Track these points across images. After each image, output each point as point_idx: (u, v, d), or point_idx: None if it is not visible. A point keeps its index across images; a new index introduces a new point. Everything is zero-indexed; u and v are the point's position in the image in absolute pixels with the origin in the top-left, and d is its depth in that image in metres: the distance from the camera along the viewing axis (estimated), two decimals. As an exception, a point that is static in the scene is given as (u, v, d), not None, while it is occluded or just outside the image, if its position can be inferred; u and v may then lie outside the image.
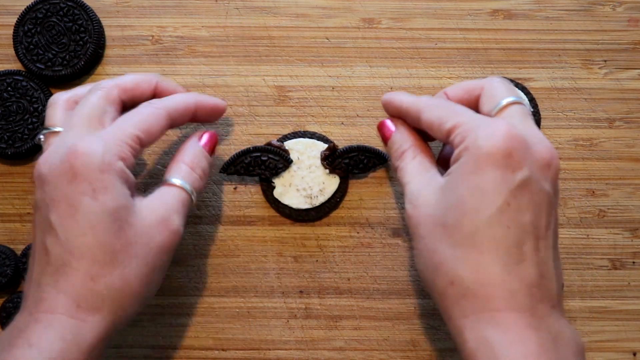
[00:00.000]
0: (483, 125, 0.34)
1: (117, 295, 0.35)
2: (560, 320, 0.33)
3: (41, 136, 0.39)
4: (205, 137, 0.42)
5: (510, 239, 0.33)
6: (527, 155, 0.34)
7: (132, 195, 0.36)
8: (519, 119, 0.36)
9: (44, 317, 0.34)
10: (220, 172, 0.45)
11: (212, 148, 0.42)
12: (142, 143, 0.38)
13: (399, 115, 0.41)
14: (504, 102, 0.37)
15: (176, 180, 0.39)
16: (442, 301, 0.34)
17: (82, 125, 0.37)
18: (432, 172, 0.38)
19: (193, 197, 0.39)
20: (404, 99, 0.40)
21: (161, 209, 0.37)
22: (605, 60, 0.47)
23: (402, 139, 0.41)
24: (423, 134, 0.41)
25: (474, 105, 0.39)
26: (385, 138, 0.42)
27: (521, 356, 0.31)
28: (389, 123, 0.42)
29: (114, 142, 0.36)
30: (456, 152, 0.35)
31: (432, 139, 0.41)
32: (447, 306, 0.34)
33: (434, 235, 0.35)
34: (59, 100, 0.40)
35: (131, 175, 0.37)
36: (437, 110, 0.37)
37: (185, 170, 0.40)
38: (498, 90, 0.38)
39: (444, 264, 0.34)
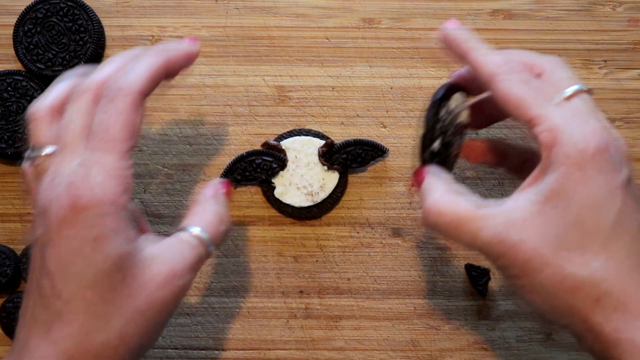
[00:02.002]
0: (576, 128, 0.32)
1: (111, 353, 0.31)
2: None
3: (27, 162, 0.34)
4: (224, 186, 0.38)
5: (637, 241, 0.32)
6: (621, 152, 0.32)
7: (139, 234, 0.33)
8: (588, 109, 0.34)
9: None
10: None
11: (229, 196, 0.39)
12: (135, 145, 0.33)
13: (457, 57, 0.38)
14: (568, 91, 0.34)
15: (195, 230, 0.35)
16: (586, 323, 0.32)
17: (76, 142, 0.32)
18: (488, 201, 0.34)
19: (211, 252, 0.36)
20: (471, 42, 0.37)
21: (171, 263, 0.33)
22: (605, 60, 0.47)
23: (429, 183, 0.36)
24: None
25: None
26: (418, 185, 0.37)
27: None
28: (424, 170, 0.37)
29: (110, 171, 0.31)
30: (545, 158, 0.33)
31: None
32: (594, 325, 0.31)
33: (556, 262, 0.32)
34: (41, 111, 0.34)
35: (136, 209, 0.34)
36: (520, 87, 0.34)
37: (208, 221, 0.36)
38: (560, 76, 0.35)
39: (583, 284, 0.31)
